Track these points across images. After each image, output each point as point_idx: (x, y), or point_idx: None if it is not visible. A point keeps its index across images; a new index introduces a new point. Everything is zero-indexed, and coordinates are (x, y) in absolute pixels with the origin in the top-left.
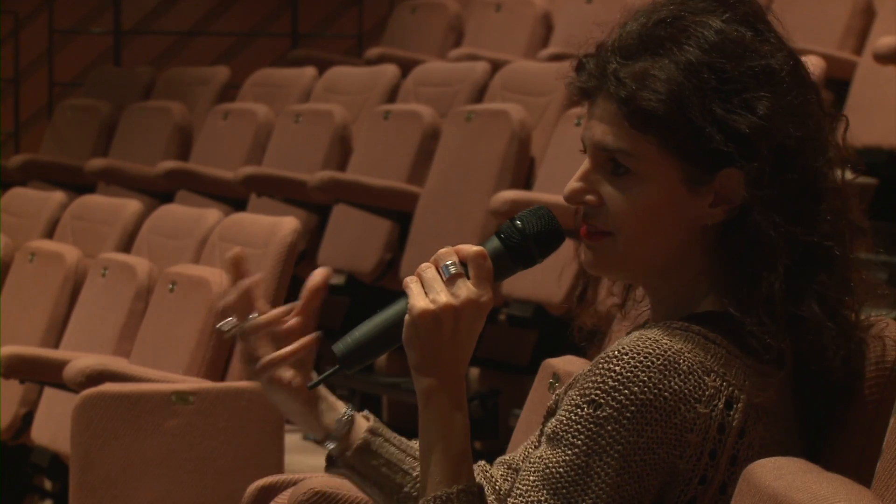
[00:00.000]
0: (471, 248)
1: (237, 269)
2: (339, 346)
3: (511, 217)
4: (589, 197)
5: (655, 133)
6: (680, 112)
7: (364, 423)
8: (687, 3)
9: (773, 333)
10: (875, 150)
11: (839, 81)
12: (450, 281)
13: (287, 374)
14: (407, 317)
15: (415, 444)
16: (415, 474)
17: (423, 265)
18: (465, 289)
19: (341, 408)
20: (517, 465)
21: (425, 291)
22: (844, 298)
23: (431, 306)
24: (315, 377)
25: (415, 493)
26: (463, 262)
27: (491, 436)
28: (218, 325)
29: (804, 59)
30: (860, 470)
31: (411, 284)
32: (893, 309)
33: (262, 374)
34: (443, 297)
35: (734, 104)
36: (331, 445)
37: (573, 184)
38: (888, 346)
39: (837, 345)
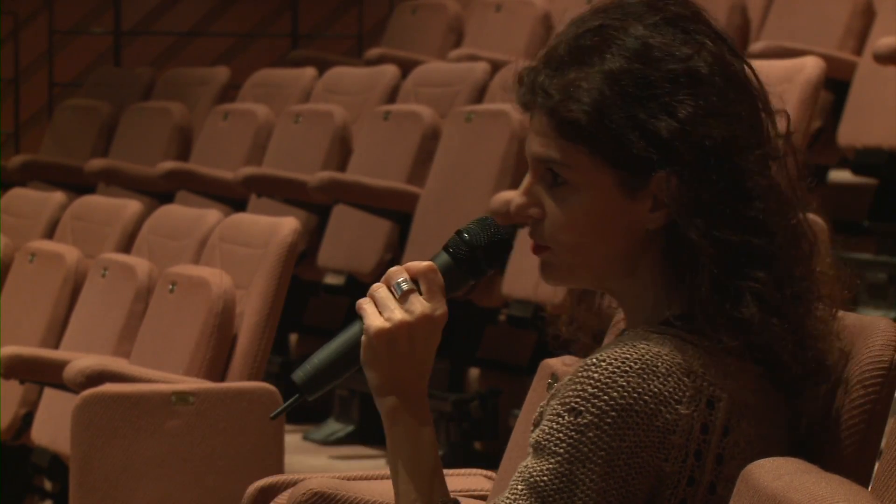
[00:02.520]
0: (420, 265)
1: None
2: (299, 374)
3: (458, 230)
4: (532, 210)
5: (583, 142)
6: (602, 120)
7: None
8: (617, 9)
9: (724, 330)
10: (875, 151)
11: (839, 82)
12: (402, 298)
13: None
14: (363, 338)
15: None
16: None
17: (375, 285)
18: (419, 304)
19: None
20: None
21: (379, 311)
22: (787, 293)
23: (387, 324)
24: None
25: None
26: (415, 279)
27: (491, 436)
28: None
29: (802, 59)
30: (859, 470)
31: (365, 305)
32: (893, 309)
33: None
34: (397, 314)
35: (654, 109)
36: None
37: (517, 199)
38: (886, 345)
39: (784, 339)
